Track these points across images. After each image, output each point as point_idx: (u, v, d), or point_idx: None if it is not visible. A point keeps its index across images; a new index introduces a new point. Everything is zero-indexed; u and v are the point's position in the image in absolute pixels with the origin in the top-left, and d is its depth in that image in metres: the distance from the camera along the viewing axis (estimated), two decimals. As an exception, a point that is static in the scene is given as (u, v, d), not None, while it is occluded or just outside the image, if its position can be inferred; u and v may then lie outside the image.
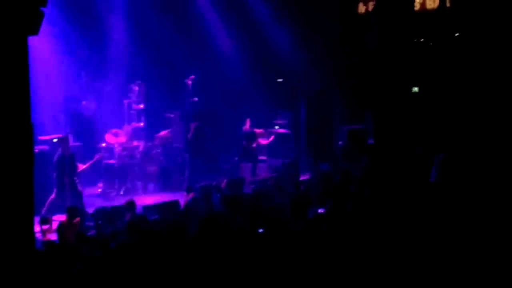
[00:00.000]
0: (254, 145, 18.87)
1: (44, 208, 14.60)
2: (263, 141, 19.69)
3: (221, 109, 20.61)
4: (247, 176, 17.45)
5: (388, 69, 10.14)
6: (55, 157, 15.16)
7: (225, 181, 15.17)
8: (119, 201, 15.52)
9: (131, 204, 13.03)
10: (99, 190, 17.45)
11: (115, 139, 17.77)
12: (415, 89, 19.13)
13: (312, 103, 20.23)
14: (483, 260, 9.48)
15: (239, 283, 9.25)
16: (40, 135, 16.03)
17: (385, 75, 10.16)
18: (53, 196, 15.00)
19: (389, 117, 10.19)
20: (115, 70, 19.30)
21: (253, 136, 18.94)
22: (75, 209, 13.23)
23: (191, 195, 14.27)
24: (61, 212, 13.71)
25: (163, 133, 18.62)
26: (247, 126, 19.16)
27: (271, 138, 20.08)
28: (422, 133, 16.93)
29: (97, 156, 16.64)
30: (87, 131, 18.24)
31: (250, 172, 18.54)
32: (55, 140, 16.04)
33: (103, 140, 17.83)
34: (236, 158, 19.32)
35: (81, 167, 15.69)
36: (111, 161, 17.55)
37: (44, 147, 15.84)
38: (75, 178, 15.31)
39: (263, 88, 21.36)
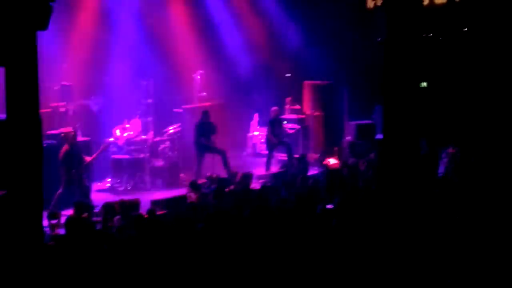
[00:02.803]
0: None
1: (52, 203, 14.63)
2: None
3: (229, 104, 20.60)
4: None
5: (397, 64, 10.12)
6: (61, 152, 15.15)
7: (239, 173, 15.15)
8: (127, 196, 15.55)
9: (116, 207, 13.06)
10: (107, 184, 17.47)
11: (123, 134, 17.78)
12: (424, 84, 19.11)
13: (320, 98, 20.21)
14: (492, 255, 9.47)
15: (246, 277, 9.25)
16: (49, 130, 16.04)
17: (394, 70, 10.14)
18: (60, 190, 15.02)
19: (398, 112, 10.17)
20: (123, 65, 19.29)
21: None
22: (82, 204, 13.26)
23: (198, 193, 14.27)
24: (69, 207, 13.74)
25: (171, 128, 18.62)
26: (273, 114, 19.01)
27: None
28: (430, 128, 16.91)
29: (102, 146, 16.57)
30: (95, 126, 18.25)
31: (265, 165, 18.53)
32: (63, 135, 16.05)
33: (111, 135, 17.83)
34: (245, 153, 19.32)
35: (88, 159, 15.67)
36: (119, 156, 17.56)
37: (53, 141, 15.85)
38: (82, 173, 15.33)
39: (271, 83, 21.34)
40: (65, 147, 15.19)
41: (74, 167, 15.12)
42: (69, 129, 16.11)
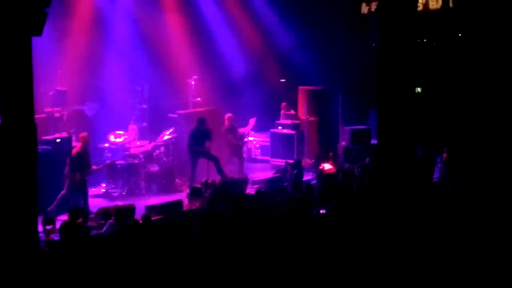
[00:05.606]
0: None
1: (54, 204, 14.68)
2: (242, 130, 19.76)
3: (224, 109, 20.61)
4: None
5: (391, 69, 10.14)
6: (73, 153, 15.19)
7: (220, 179, 15.34)
8: (122, 201, 15.54)
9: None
10: (103, 190, 17.45)
11: (118, 139, 17.77)
12: (418, 89, 19.16)
13: (315, 103, 20.24)
14: (485, 259, 9.49)
15: (241, 282, 9.26)
16: (43, 135, 16.02)
17: (388, 75, 10.17)
18: (64, 192, 15.05)
19: (392, 117, 10.19)
20: (118, 70, 19.28)
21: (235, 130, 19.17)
22: (77, 210, 13.23)
23: (199, 201, 14.28)
24: (66, 212, 13.72)
25: (166, 133, 18.62)
26: (250, 126, 19.23)
27: (252, 122, 20.15)
28: (425, 133, 16.94)
29: (109, 162, 16.76)
30: (89, 132, 18.22)
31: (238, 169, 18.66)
32: (58, 140, 16.03)
33: (106, 141, 17.83)
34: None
35: (94, 167, 15.78)
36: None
37: (48, 147, 15.84)
38: (86, 178, 15.39)
39: (266, 88, 21.37)
40: (77, 149, 15.26)
41: (79, 170, 15.16)
42: (64, 134, 16.11)
